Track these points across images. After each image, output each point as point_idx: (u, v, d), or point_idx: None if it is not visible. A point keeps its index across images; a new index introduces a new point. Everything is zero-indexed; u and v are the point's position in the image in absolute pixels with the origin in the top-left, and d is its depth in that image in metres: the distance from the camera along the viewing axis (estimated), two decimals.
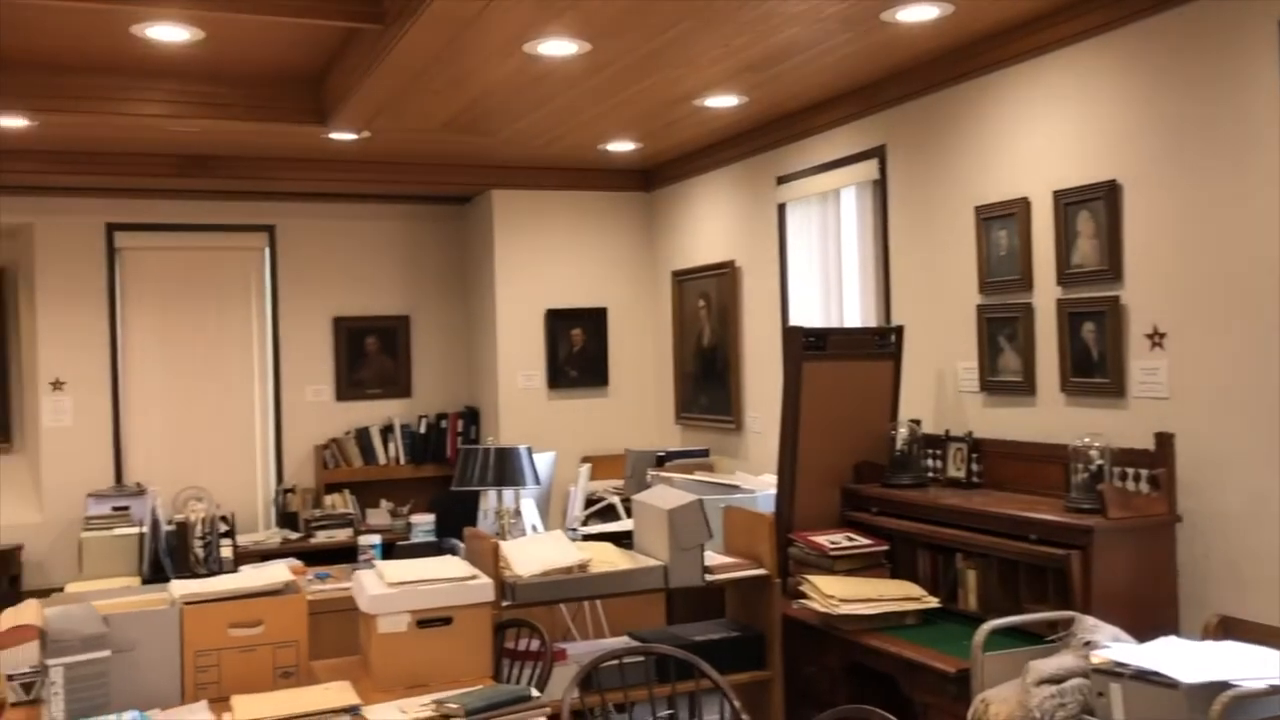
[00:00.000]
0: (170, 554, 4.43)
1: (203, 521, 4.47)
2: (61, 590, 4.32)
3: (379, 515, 7.19)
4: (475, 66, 4.61)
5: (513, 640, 3.59)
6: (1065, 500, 3.66)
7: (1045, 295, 4.13)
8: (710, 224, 6.65)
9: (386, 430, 7.42)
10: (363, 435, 7.37)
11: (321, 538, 6.82)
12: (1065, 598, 3.40)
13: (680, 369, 7.00)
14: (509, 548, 3.65)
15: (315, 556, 5.92)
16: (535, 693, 2.58)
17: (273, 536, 6.82)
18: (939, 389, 4.71)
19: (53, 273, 6.85)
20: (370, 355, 7.54)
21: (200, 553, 4.44)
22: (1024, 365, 4.22)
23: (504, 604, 3.43)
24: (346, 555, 5.98)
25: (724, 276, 6.41)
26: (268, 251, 7.32)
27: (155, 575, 4.44)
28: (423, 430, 7.46)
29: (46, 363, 6.82)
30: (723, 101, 5.29)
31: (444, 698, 2.52)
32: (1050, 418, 4.11)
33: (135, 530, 4.77)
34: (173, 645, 2.90)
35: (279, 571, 3.24)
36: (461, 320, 7.77)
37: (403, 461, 7.41)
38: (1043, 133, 4.15)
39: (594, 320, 7.27)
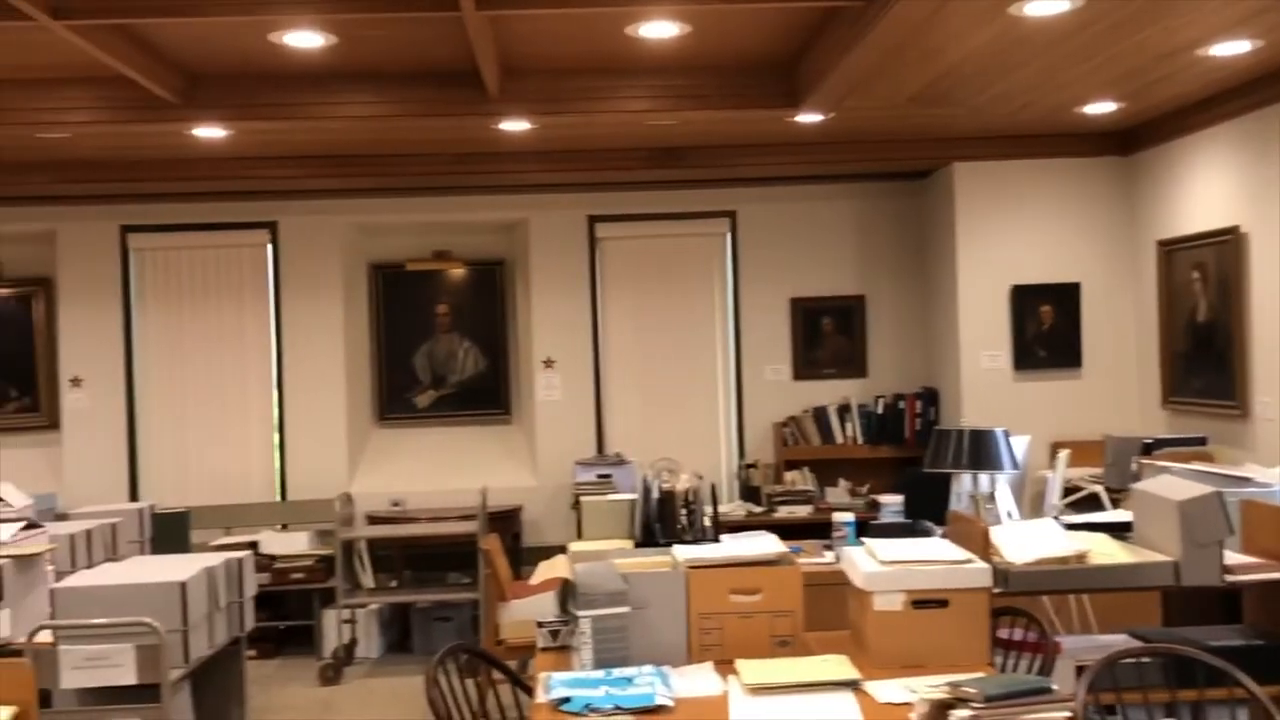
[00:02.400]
0: (659, 520, 4.73)
1: (686, 491, 4.73)
2: (564, 549, 4.76)
3: (838, 494, 7.25)
4: (954, 35, 4.46)
5: (1004, 629, 3.45)
6: None
7: None
8: (1207, 187, 5.98)
9: (843, 410, 7.46)
10: (820, 414, 7.46)
11: (783, 513, 6.99)
12: None
13: (1168, 348, 6.38)
14: (999, 533, 3.51)
15: (777, 530, 6.02)
16: (1055, 686, 2.44)
17: (737, 509, 7.09)
18: None
19: (543, 262, 7.56)
20: (826, 335, 7.61)
21: (685, 520, 4.70)
22: None
23: (995, 590, 3.29)
24: (807, 531, 6.08)
25: (1225, 245, 5.74)
26: (729, 235, 7.61)
27: (645, 539, 4.76)
28: (879, 411, 7.42)
29: (540, 343, 7.55)
30: (1231, 49, 4.73)
31: (957, 680, 2.46)
32: None
33: (626, 496, 5.15)
34: (680, 606, 3.08)
35: (771, 542, 3.33)
36: (918, 299, 7.61)
37: (859, 441, 7.41)
38: None
39: (1065, 296, 6.82)
